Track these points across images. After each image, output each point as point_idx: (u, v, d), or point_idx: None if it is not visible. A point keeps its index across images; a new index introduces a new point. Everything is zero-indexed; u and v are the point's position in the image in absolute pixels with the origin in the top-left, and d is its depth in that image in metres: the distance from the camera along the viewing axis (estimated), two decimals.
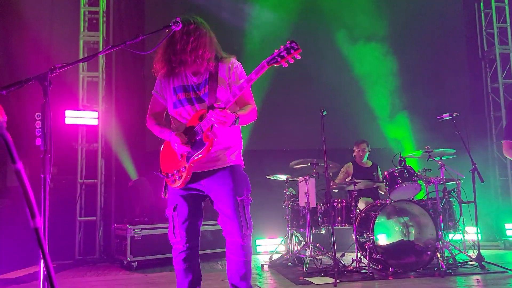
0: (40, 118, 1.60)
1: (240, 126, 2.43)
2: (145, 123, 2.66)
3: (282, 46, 2.17)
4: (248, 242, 2.39)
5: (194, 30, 2.35)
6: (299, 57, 2.16)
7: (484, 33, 7.93)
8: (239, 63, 2.53)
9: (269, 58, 2.18)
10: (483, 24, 7.92)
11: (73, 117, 5.99)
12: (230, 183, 2.38)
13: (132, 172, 6.24)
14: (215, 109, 2.19)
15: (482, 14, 7.93)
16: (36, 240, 0.90)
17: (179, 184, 2.39)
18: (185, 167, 2.37)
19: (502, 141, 4.53)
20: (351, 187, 4.85)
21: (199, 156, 2.32)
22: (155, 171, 2.57)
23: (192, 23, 2.36)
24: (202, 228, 5.74)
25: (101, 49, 6.19)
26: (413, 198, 4.84)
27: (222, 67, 2.46)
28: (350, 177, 5.67)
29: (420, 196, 5.01)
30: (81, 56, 6.21)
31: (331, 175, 5.84)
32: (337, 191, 5.45)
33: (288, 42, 2.16)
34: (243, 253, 2.37)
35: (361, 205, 5.05)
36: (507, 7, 7.73)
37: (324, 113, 4.48)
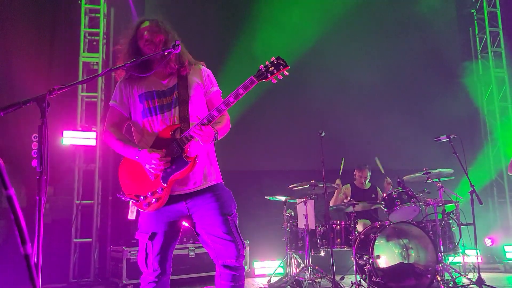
0: (37, 139, 1.59)
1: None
2: None
3: (268, 62, 2.11)
4: (242, 264, 2.20)
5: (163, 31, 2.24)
6: (287, 73, 2.12)
7: (479, 56, 8.04)
8: (209, 70, 2.41)
9: (258, 73, 2.10)
10: (478, 48, 8.04)
11: (71, 137, 5.98)
12: (217, 202, 2.19)
13: None
14: (198, 125, 2.04)
15: (477, 38, 8.06)
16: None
17: (154, 208, 2.16)
18: (162, 188, 2.14)
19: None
20: (350, 209, 4.81)
21: (180, 176, 2.13)
22: (117, 194, 2.28)
23: (159, 25, 2.26)
24: (199, 250, 5.62)
25: (100, 71, 6.23)
26: (412, 220, 4.81)
27: (194, 72, 2.32)
28: (348, 199, 5.64)
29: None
30: (80, 77, 6.25)
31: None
32: (334, 207, 5.40)
33: (274, 58, 2.12)
34: (238, 277, 2.17)
35: (360, 228, 5.01)
36: (501, 32, 7.86)
37: (323, 135, 4.50)
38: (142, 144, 2.24)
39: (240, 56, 6.44)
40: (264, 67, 2.10)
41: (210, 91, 2.33)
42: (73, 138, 6.00)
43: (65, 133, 5.94)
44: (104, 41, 6.56)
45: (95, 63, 6.53)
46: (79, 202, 6.13)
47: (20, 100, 1.64)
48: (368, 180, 5.76)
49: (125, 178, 2.28)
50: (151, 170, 2.14)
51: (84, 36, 6.48)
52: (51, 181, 6.31)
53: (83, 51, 6.44)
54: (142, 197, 2.18)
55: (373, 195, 5.70)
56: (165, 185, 2.14)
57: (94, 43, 6.56)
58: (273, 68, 2.09)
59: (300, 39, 6.92)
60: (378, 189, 5.78)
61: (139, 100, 2.27)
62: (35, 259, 1.55)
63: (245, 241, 6.02)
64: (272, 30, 6.89)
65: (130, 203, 2.30)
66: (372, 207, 5.33)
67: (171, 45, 2.13)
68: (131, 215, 2.35)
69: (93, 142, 6.12)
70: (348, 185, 5.77)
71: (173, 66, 2.24)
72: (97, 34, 6.54)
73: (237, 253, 2.15)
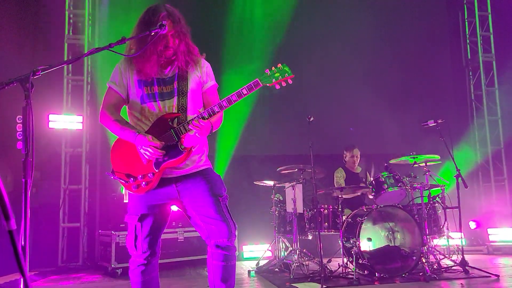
0: (21, 121, 1.56)
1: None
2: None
3: (274, 67, 2.17)
4: (234, 244, 2.24)
5: (173, 19, 2.18)
6: (291, 82, 2.17)
7: (467, 41, 8.07)
8: (208, 63, 2.40)
9: (263, 76, 2.16)
10: (467, 33, 8.07)
11: (57, 121, 5.90)
12: (207, 184, 2.24)
13: None
14: (198, 118, 2.10)
15: (466, 23, 8.07)
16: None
17: (143, 191, 2.18)
18: (153, 173, 2.16)
19: None
20: (338, 193, 4.85)
21: (174, 164, 2.16)
22: (107, 172, 2.28)
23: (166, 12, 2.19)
24: (188, 234, 5.62)
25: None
26: (398, 204, 4.87)
27: (193, 63, 2.31)
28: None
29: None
30: (66, 59, 6.13)
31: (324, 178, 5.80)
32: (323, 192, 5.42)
33: (280, 65, 2.18)
34: (230, 257, 2.22)
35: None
36: (490, 16, 7.88)
37: (311, 120, 4.51)
38: (138, 128, 2.24)
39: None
40: (270, 71, 2.16)
41: (207, 85, 2.35)
42: (59, 122, 5.92)
43: (51, 116, 5.85)
44: (90, 22, 6.43)
45: (80, 45, 6.41)
46: (66, 186, 6.08)
47: (3, 80, 1.60)
48: (358, 160, 5.76)
49: (117, 158, 2.27)
50: (145, 155, 2.15)
51: (69, 17, 6.34)
52: (38, 165, 6.23)
53: (68, 33, 6.30)
54: (132, 179, 2.19)
55: (364, 179, 5.74)
56: (156, 170, 2.17)
57: (80, 24, 6.42)
58: (278, 74, 2.15)
59: (286, 26, 6.87)
60: (368, 174, 5.82)
61: (137, 85, 2.25)
62: (23, 242, 1.54)
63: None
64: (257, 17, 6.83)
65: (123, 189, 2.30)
66: (360, 192, 5.38)
67: (158, 25, 2.08)
68: (127, 198, 2.36)
69: (79, 126, 6.05)
70: (341, 168, 5.77)
71: (170, 53, 2.20)
72: (82, 16, 6.39)
73: (229, 233, 2.19)
